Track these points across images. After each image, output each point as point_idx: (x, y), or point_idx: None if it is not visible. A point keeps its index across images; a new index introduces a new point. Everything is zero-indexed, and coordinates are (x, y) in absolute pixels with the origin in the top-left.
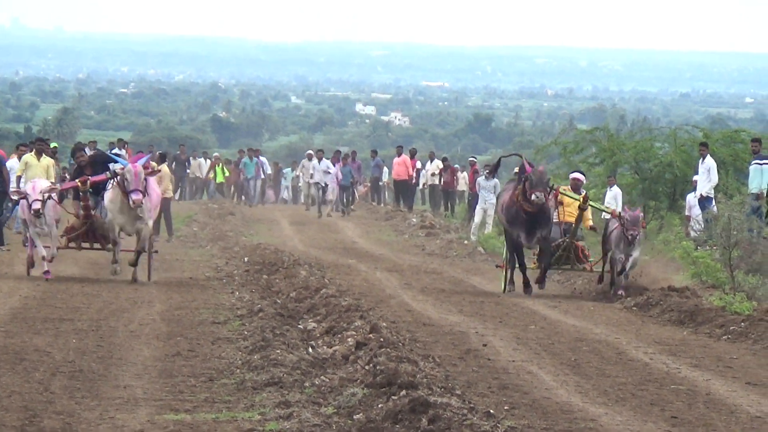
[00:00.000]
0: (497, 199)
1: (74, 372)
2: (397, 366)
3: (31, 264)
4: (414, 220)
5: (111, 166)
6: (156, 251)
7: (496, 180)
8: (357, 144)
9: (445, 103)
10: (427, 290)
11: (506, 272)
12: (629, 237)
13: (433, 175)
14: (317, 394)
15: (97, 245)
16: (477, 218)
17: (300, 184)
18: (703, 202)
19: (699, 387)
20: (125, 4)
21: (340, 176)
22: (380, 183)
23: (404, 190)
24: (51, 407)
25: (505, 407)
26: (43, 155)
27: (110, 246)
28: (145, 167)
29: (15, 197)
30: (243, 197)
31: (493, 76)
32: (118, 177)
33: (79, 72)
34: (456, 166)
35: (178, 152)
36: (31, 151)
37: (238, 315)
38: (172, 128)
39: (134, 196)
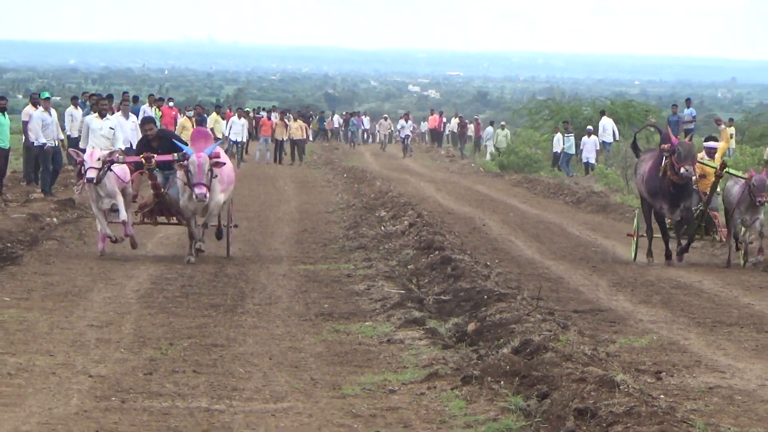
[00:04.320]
0: (636, 170)
1: (245, 241)
2: (433, 237)
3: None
4: (442, 152)
5: (180, 152)
6: (236, 225)
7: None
8: (409, 108)
9: (461, 83)
10: (451, 193)
11: (636, 241)
12: (757, 203)
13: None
14: (387, 254)
15: (174, 220)
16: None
17: (377, 132)
18: (605, 145)
19: (608, 250)
20: (281, 21)
21: (415, 129)
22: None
23: (436, 135)
24: (231, 263)
25: (496, 261)
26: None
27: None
28: (212, 157)
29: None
30: (344, 141)
31: (488, 69)
32: (184, 165)
33: (247, 68)
34: (466, 120)
35: (304, 111)
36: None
37: (340, 207)
38: (301, 100)
39: (197, 191)
